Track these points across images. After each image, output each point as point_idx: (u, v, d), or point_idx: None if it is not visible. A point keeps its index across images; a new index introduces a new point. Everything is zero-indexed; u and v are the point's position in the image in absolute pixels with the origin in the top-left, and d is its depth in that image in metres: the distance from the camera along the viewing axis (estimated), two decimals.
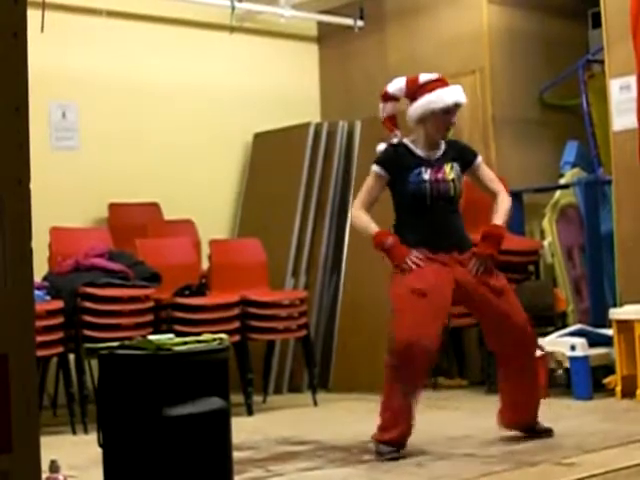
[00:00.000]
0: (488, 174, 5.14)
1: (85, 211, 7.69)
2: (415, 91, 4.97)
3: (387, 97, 5.10)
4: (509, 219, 5.17)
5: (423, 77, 5.01)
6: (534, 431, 5.03)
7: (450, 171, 4.94)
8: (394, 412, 4.76)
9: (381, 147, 5.06)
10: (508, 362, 5.01)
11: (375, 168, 4.99)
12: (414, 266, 4.79)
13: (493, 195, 5.09)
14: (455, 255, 4.92)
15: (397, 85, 5.07)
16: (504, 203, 5.06)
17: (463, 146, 5.24)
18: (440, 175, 4.91)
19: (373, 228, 4.94)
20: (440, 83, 4.98)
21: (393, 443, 4.74)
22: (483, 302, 4.95)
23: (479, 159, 5.11)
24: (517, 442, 4.91)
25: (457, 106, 4.95)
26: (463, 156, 5.07)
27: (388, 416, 4.77)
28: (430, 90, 4.92)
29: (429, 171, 4.90)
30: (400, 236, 4.93)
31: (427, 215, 4.91)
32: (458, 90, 4.99)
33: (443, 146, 5.02)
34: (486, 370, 6.97)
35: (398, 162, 4.95)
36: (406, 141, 5.01)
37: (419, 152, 4.97)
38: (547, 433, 5.03)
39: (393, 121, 5.09)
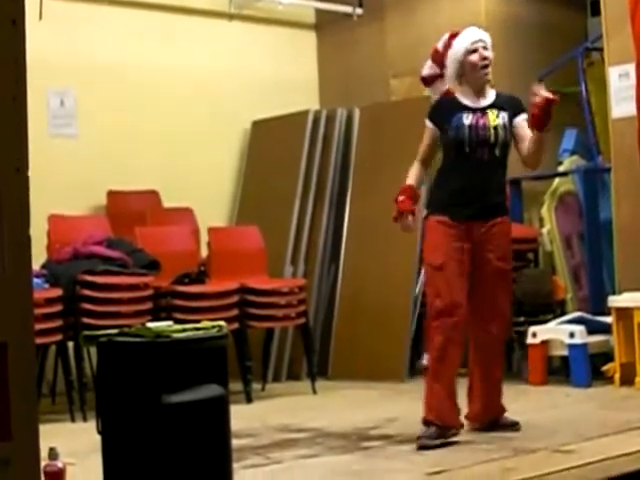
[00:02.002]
0: (528, 133, 4.96)
1: (84, 199, 7.67)
2: (441, 59, 5.11)
3: (426, 82, 5.29)
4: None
5: (440, 44, 5.17)
6: (499, 425, 4.97)
7: (495, 118, 4.91)
8: (434, 394, 4.77)
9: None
10: (479, 347, 4.97)
11: (426, 122, 5.02)
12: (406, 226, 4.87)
13: (523, 151, 5.01)
14: (475, 227, 4.87)
15: (427, 65, 5.25)
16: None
17: (516, 98, 5.10)
18: (482, 121, 4.88)
19: (407, 181, 4.98)
20: (453, 36, 5.09)
21: (435, 423, 4.70)
22: (482, 280, 4.91)
23: (524, 116, 4.99)
24: (516, 430, 4.91)
25: (477, 42, 4.96)
26: (513, 106, 5.00)
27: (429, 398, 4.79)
28: (449, 47, 5.05)
29: (471, 116, 4.89)
30: (432, 191, 5.12)
31: (466, 166, 4.88)
32: (471, 30, 5.06)
33: (493, 96, 5.02)
34: None
35: (443, 112, 4.97)
36: (457, 94, 5.03)
37: (466, 101, 4.97)
38: (513, 427, 4.94)
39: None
